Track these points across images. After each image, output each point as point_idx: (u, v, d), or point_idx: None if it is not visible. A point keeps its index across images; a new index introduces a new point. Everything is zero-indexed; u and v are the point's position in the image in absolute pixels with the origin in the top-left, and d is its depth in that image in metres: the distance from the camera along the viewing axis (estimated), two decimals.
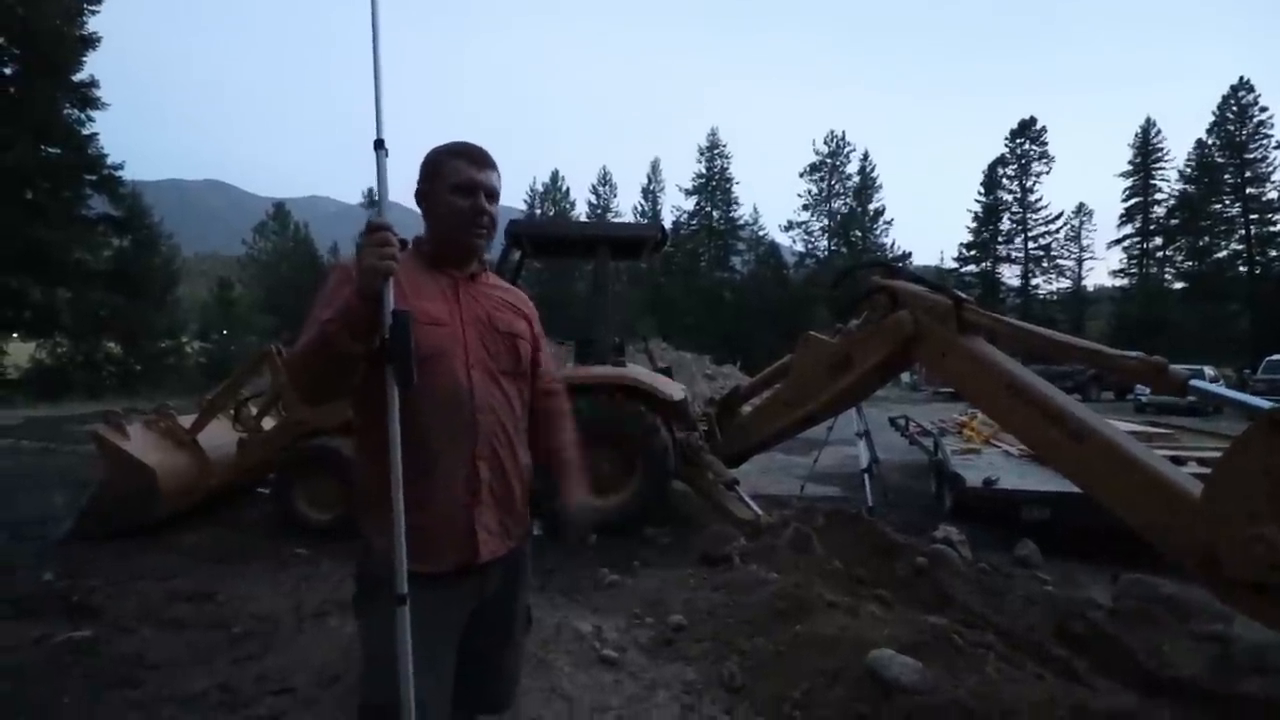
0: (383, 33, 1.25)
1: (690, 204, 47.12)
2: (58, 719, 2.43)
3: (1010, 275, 45.18)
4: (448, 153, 1.43)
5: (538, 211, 46.06)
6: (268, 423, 5.35)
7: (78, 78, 20.93)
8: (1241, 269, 38.33)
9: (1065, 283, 44.58)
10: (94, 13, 21.19)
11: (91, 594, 3.63)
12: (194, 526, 4.99)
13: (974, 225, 45.30)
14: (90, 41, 21.10)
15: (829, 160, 46.55)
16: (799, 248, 47.64)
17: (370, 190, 46.54)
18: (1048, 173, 43.99)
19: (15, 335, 21.75)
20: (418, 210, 1.46)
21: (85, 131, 21.24)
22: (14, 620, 3.30)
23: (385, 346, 1.18)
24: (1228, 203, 39.02)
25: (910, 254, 44.34)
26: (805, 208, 46.94)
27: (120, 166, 21.82)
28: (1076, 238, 44.27)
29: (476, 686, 1.50)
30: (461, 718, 1.49)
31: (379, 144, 1.25)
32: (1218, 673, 2.73)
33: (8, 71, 19.98)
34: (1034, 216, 44.26)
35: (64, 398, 18.42)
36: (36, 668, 2.79)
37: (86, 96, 21.18)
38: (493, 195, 1.43)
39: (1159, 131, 42.94)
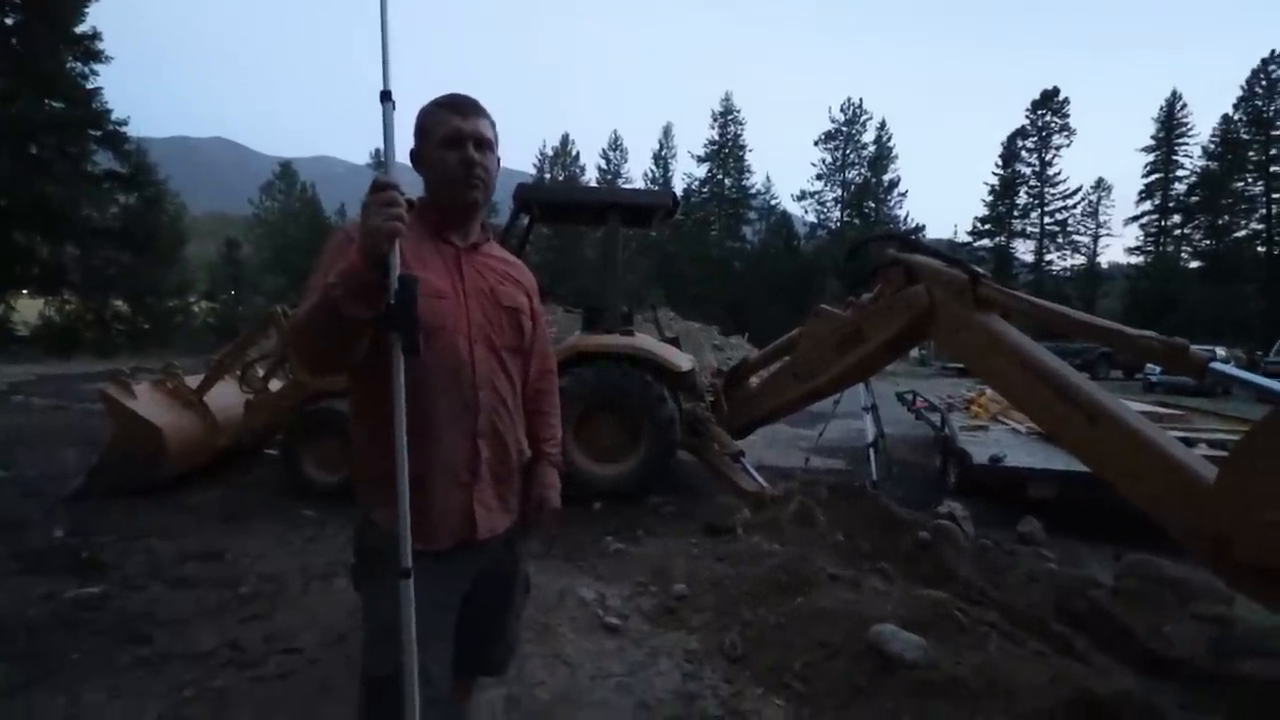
0: None
1: (702, 171, 46.17)
2: (68, 675, 2.46)
3: (1024, 250, 44.59)
4: (435, 106, 1.37)
5: (547, 176, 45.41)
6: (274, 384, 5.36)
7: (80, 29, 20.53)
8: (1260, 249, 37.63)
9: (1079, 259, 44.00)
10: None
11: (101, 551, 3.68)
12: (202, 486, 5.04)
13: (990, 199, 44.49)
14: None
15: (845, 129, 45.37)
16: (811, 218, 46.82)
17: (378, 150, 45.72)
18: (1068, 145, 43.03)
19: (25, 292, 21.79)
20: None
21: (89, 86, 20.93)
22: (24, 576, 3.34)
23: (389, 313, 1.12)
24: (1250, 180, 38.14)
25: (924, 226, 43.51)
26: (819, 177, 46.01)
27: (125, 122, 21.54)
28: (1094, 214, 43.52)
29: (477, 651, 1.52)
30: (462, 680, 1.51)
31: (385, 95, 1.16)
32: (1217, 654, 2.73)
33: (9, 21, 19.57)
34: (1051, 191, 43.43)
35: (73, 355, 18.53)
36: (46, 623, 2.82)
37: (89, 49, 20.80)
38: (483, 144, 1.36)
39: (1184, 105, 41.84)
